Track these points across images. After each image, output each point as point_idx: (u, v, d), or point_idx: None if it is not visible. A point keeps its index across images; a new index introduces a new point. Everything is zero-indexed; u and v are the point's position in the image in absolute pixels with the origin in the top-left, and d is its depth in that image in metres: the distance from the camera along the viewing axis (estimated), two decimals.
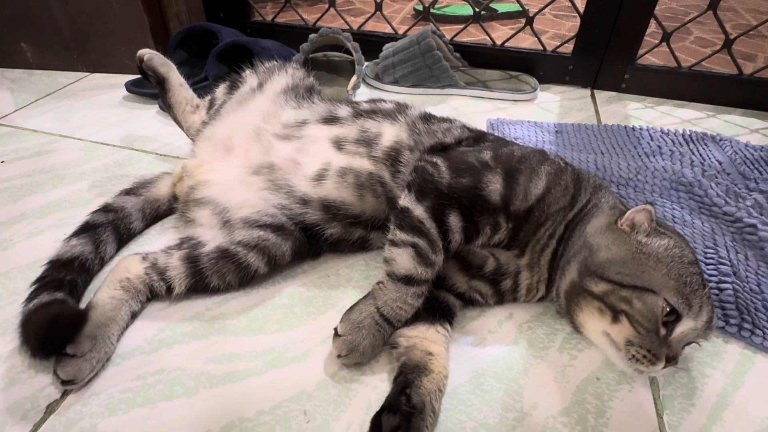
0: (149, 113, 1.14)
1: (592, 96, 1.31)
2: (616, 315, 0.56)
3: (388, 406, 0.52)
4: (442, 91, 1.26)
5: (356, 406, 0.55)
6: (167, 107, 0.90)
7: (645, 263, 0.56)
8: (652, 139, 1.07)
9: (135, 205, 0.77)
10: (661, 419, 0.55)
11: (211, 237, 0.69)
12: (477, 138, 0.74)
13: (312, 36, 1.21)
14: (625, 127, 1.12)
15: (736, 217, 0.81)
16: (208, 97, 0.90)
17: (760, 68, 1.22)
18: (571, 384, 0.59)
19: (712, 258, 0.74)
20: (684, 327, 0.54)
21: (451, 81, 1.24)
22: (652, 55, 1.38)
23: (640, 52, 1.27)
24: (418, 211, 0.61)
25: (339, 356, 0.58)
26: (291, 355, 0.61)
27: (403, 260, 0.59)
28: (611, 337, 0.57)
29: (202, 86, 1.13)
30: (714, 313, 0.56)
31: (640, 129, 1.11)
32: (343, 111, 0.78)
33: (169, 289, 0.65)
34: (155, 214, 0.80)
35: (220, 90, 0.89)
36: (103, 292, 0.62)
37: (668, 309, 0.53)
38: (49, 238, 0.76)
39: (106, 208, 0.75)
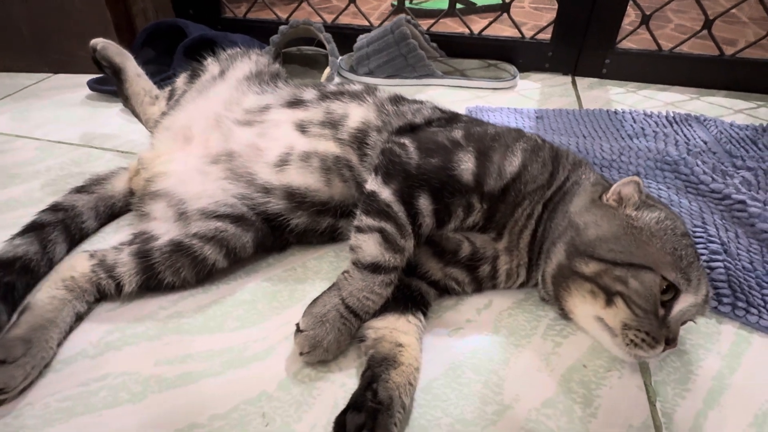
0: (113, 111, 1.09)
1: (573, 83, 1.28)
2: (610, 297, 0.51)
3: (353, 404, 0.47)
4: (418, 81, 1.22)
5: (321, 405, 0.50)
6: (124, 99, 0.85)
7: (638, 238, 0.52)
8: (635, 122, 1.04)
9: (87, 203, 0.71)
10: (653, 406, 0.51)
11: (165, 230, 0.64)
12: (450, 119, 0.70)
13: (283, 27, 1.17)
14: (608, 110, 1.09)
15: (725, 194, 0.78)
16: (169, 88, 0.85)
17: (741, 48, 1.20)
18: (556, 373, 0.54)
19: (702, 237, 0.70)
20: (683, 304, 0.50)
21: (428, 70, 1.20)
22: (633, 42, 1.36)
23: (620, 37, 1.25)
24: (385, 194, 0.57)
25: (301, 353, 0.53)
26: (251, 354, 0.55)
27: (370, 247, 0.55)
28: (605, 322, 0.52)
29: (169, 83, 1.08)
30: (709, 287, 0.52)
31: (623, 112, 1.08)
32: (309, 94, 0.73)
33: (119, 288, 0.60)
34: (110, 212, 0.74)
35: (181, 80, 0.84)
36: (43, 292, 0.56)
37: (666, 286, 0.49)
38: None
39: (55, 207, 0.69)
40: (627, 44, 1.28)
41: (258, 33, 1.32)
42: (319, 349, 0.52)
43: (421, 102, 0.73)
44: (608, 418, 0.50)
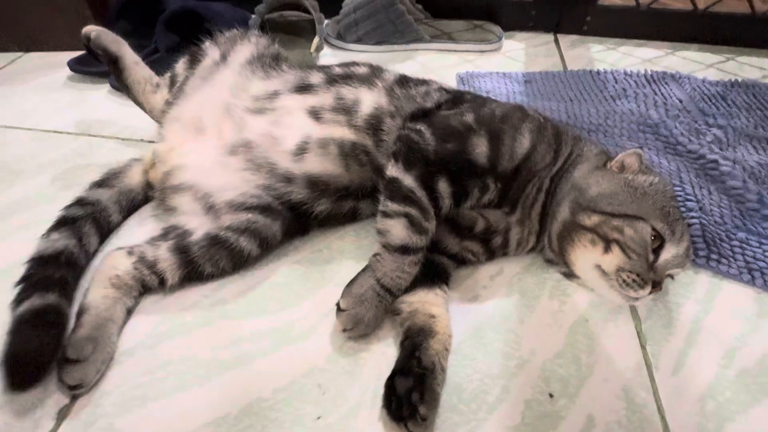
0: (101, 93, 1.06)
1: (556, 41, 1.31)
2: (608, 244, 0.60)
3: (400, 370, 0.54)
4: (407, 46, 1.23)
5: (368, 373, 0.57)
6: (124, 88, 0.84)
7: (633, 195, 0.62)
8: (616, 82, 1.10)
9: (110, 198, 0.73)
10: (644, 350, 0.61)
11: (197, 224, 0.67)
12: (455, 99, 0.74)
13: None
14: (590, 71, 1.14)
15: (699, 154, 0.86)
16: (168, 74, 0.84)
17: (712, 2, 1.25)
18: (563, 328, 0.63)
19: (680, 195, 0.79)
20: (668, 254, 0.60)
21: (417, 35, 1.21)
22: None
23: None
24: (408, 180, 0.62)
25: (344, 330, 0.59)
26: (296, 333, 0.62)
27: (398, 231, 0.60)
28: (602, 269, 0.61)
29: (154, 59, 1.06)
30: (690, 242, 0.62)
31: (605, 72, 1.13)
32: (316, 78, 0.75)
33: (162, 282, 0.64)
34: (131, 205, 0.76)
35: (180, 65, 0.83)
36: (94, 292, 0.60)
37: (654, 235, 0.59)
38: (20, 240, 0.71)
39: (81, 202, 0.70)
40: (608, 0, 1.31)
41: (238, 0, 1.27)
42: (360, 325, 0.59)
43: (427, 82, 0.76)
44: (608, 362, 0.59)
